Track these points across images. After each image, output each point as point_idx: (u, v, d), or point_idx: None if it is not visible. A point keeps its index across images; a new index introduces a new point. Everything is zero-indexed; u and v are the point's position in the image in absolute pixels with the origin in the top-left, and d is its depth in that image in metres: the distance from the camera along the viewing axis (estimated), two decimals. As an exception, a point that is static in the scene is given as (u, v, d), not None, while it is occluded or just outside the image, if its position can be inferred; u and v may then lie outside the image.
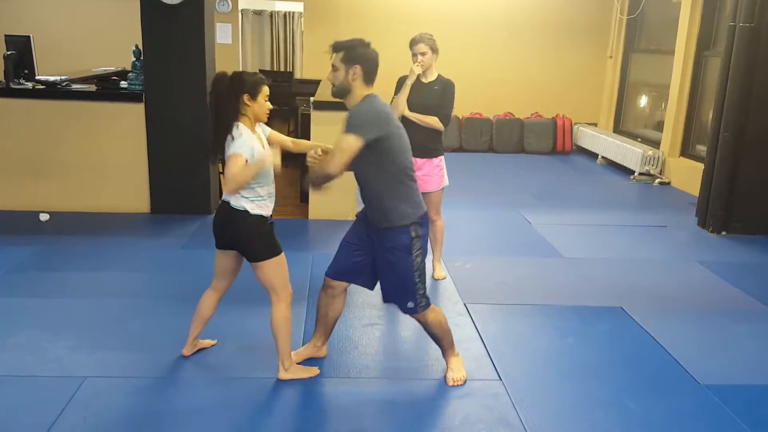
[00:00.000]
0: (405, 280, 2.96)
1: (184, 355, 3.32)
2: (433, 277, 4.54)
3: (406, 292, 2.98)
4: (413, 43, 4.15)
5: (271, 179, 2.99)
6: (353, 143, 2.72)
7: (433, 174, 4.29)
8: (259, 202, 2.97)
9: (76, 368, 3.18)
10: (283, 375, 3.12)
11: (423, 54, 4.11)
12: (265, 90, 2.94)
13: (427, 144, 4.23)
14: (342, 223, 5.67)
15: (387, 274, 3.01)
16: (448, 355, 3.24)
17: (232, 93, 2.86)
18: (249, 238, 3.00)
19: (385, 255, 2.96)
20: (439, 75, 4.24)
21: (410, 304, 2.99)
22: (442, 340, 3.18)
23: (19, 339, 3.44)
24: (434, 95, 4.17)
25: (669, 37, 8.23)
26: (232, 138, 2.85)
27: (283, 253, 3.06)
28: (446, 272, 4.62)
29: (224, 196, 2.99)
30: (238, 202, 2.93)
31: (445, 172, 4.36)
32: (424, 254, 2.98)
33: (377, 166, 2.86)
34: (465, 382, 3.19)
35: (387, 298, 3.08)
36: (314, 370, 3.19)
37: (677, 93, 7.86)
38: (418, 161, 4.26)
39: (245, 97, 2.88)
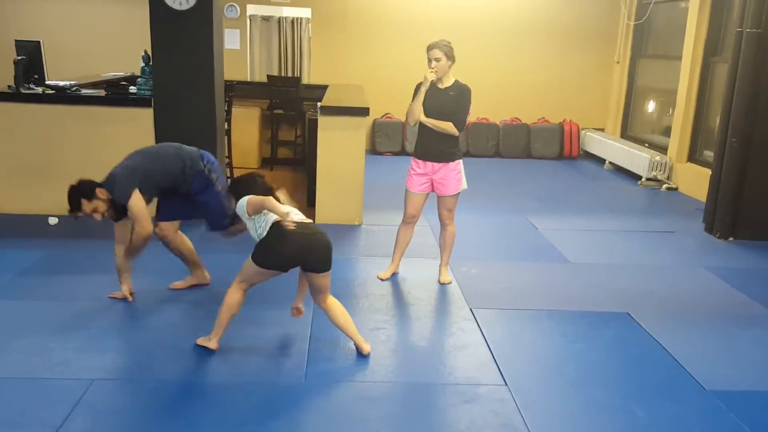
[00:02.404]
0: (219, 209, 4.03)
1: (216, 349, 3.39)
2: (438, 281, 4.55)
3: (222, 216, 4.04)
4: (429, 48, 4.18)
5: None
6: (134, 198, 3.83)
7: (449, 178, 4.32)
8: None
9: (83, 371, 3.20)
10: (368, 349, 3.52)
11: (437, 60, 4.15)
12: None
13: (442, 149, 4.28)
14: (349, 228, 5.71)
15: (206, 212, 4.06)
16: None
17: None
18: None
19: (199, 200, 4.01)
20: (455, 81, 4.27)
21: (226, 222, 4.05)
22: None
23: (27, 341, 3.47)
24: (450, 101, 4.20)
25: (676, 42, 8.22)
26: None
27: None
28: (452, 277, 4.62)
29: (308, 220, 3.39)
30: None
31: (463, 176, 4.38)
32: (220, 180, 4.07)
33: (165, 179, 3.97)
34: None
35: (212, 227, 4.11)
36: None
37: (684, 98, 7.85)
38: (435, 165, 4.30)
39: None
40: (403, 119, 9.48)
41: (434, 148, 4.30)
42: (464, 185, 4.41)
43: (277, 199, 3.35)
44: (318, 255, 3.29)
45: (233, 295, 3.35)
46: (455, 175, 4.33)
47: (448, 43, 4.19)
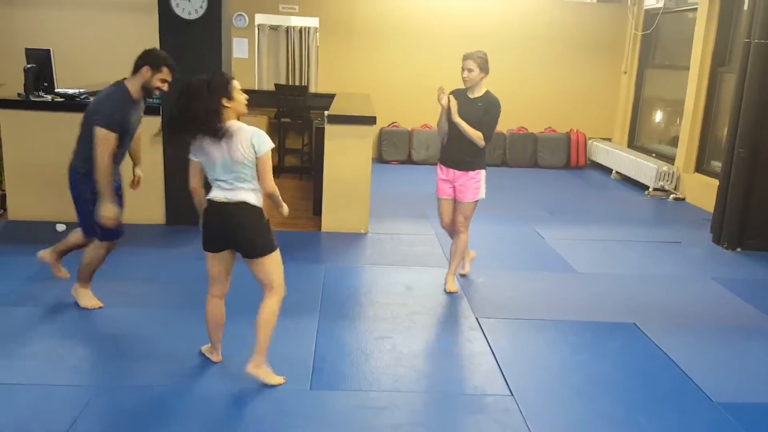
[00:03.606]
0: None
1: (218, 361, 3.37)
2: (445, 290, 4.55)
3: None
4: (464, 58, 4.26)
5: None
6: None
7: (467, 186, 4.38)
8: (260, 194, 3.08)
9: (90, 377, 3.21)
10: (253, 370, 3.12)
11: (470, 71, 4.23)
12: (236, 85, 3.20)
13: (463, 157, 4.36)
14: (354, 236, 5.71)
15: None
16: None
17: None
18: (257, 234, 3.06)
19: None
20: (486, 92, 4.33)
21: None
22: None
23: (34, 348, 3.48)
24: (477, 111, 4.26)
25: (684, 52, 8.22)
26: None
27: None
28: (458, 286, 4.62)
29: (235, 195, 3.01)
30: (253, 197, 3.03)
31: (482, 186, 4.44)
32: None
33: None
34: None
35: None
36: (281, 379, 3.21)
37: (692, 109, 7.84)
38: (456, 173, 4.39)
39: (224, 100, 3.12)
40: (409, 128, 9.52)
41: (457, 156, 4.38)
42: (482, 195, 4.45)
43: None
44: (236, 235, 3.04)
45: (209, 306, 3.28)
46: (474, 183, 4.39)
47: (484, 55, 4.25)
